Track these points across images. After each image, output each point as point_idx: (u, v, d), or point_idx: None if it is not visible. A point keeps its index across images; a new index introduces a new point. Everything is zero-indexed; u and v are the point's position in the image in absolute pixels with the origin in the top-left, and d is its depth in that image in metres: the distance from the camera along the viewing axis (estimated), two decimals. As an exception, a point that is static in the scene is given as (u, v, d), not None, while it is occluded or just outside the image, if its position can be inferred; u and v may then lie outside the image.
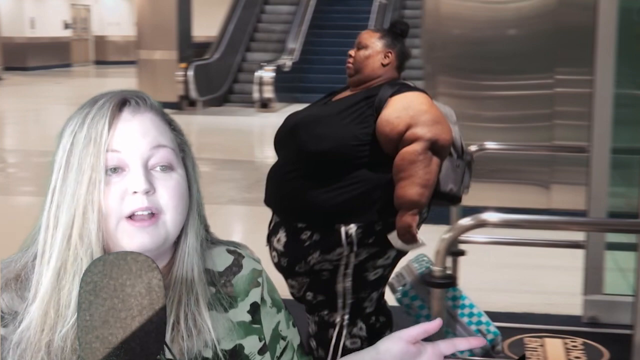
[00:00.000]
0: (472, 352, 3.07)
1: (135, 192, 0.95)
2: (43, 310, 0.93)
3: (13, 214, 6.51)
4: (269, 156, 7.83)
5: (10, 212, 6.57)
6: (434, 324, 1.00)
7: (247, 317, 1.07)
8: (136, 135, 0.97)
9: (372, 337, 2.79)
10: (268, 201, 2.66)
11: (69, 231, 0.94)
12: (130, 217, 0.95)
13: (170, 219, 0.98)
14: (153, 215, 0.96)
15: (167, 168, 0.99)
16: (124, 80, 17.96)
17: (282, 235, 2.57)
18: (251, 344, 1.06)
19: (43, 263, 0.96)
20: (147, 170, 0.97)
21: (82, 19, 26.34)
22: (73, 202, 0.95)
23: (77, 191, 0.95)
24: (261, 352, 1.08)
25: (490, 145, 4.16)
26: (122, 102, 0.99)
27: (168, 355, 0.97)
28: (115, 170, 0.96)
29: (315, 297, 2.61)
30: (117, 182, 0.96)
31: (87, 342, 0.80)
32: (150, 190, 0.96)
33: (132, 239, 0.95)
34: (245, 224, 6.26)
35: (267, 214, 2.70)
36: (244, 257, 1.11)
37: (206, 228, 1.09)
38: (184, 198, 1.00)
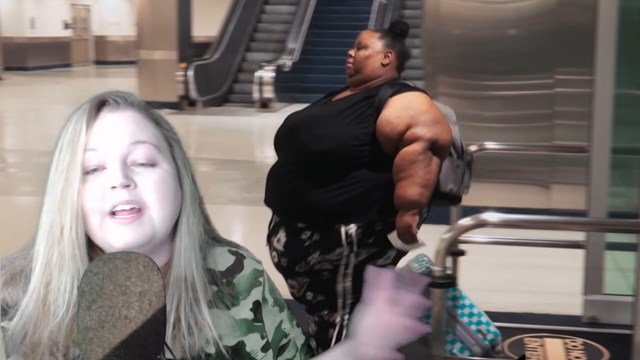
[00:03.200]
0: (472, 352, 3.07)
1: (113, 187, 0.96)
2: (34, 304, 0.96)
3: (13, 214, 6.51)
4: (269, 156, 7.82)
5: (10, 212, 6.57)
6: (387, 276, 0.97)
7: (250, 315, 1.08)
8: (113, 133, 0.99)
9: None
10: (268, 201, 2.66)
11: (52, 230, 0.97)
12: (114, 213, 0.96)
13: (156, 214, 0.98)
14: (138, 210, 0.97)
15: (149, 164, 0.99)
16: (124, 80, 17.96)
17: (282, 235, 2.57)
18: (253, 342, 1.07)
19: (34, 260, 0.98)
20: (126, 166, 0.98)
21: (82, 19, 26.33)
22: (55, 201, 0.97)
23: (56, 191, 0.97)
24: (264, 349, 1.09)
25: (490, 145, 4.16)
26: (100, 102, 1.01)
27: (168, 355, 0.97)
28: (96, 170, 0.98)
29: (315, 297, 2.61)
30: (97, 179, 0.97)
31: (87, 342, 0.80)
32: (131, 185, 0.97)
33: (117, 236, 0.96)
34: (245, 224, 6.26)
35: (267, 214, 2.70)
36: (245, 257, 1.12)
37: (207, 225, 1.09)
38: (170, 193, 1.00)
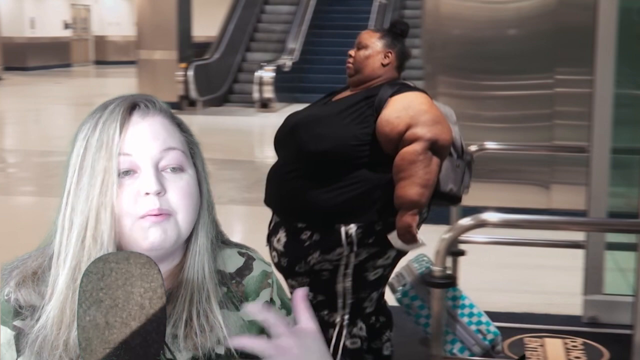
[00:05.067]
0: (472, 352, 3.07)
1: (147, 194, 0.98)
2: (60, 309, 0.96)
3: (13, 214, 6.51)
4: (269, 156, 7.83)
5: (10, 212, 6.57)
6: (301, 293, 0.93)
7: None
8: (147, 138, 1.00)
9: (372, 337, 2.79)
10: (268, 201, 2.66)
11: (83, 232, 0.97)
12: (144, 216, 0.98)
13: (182, 219, 1.00)
14: (166, 215, 0.99)
15: (178, 169, 1.02)
16: (124, 80, 17.96)
17: (282, 235, 2.57)
18: None
19: (59, 264, 0.98)
20: (158, 171, 1.00)
21: (82, 19, 26.32)
22: (87, 204, 0.97)
23: (91, 194, 0.97)
24: None
25: (490, 145, 4.16)
26: (132, 106, 1.02)
27: (168, 355, 0.97)
28: (128, 172, 0.99)
29: (315, 297, 2.61)
30: (129, 184, 0.99)
31: (87, 342, 0.80)
32: (162, 192, 0.99)
33: (146, 236, 0.98)
34: (245, 224, 6.26)
35: (267, 214, 2.70)
36: (254, 259, 1.13)
37: (217, 227, 1.11)
38: (194, 197, 1.02)
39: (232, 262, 1.11)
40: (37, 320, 0.97)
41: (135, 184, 0.98)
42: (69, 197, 0.99)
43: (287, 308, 1.15)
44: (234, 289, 1.08)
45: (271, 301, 1.12)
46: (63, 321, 0.96)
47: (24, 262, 1.03)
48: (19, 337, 0.98)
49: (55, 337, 0.95)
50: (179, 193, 1.00)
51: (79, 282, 0.95)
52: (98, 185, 0.97)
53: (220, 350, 1.02)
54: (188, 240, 1.04)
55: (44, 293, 0.99)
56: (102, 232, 0.96)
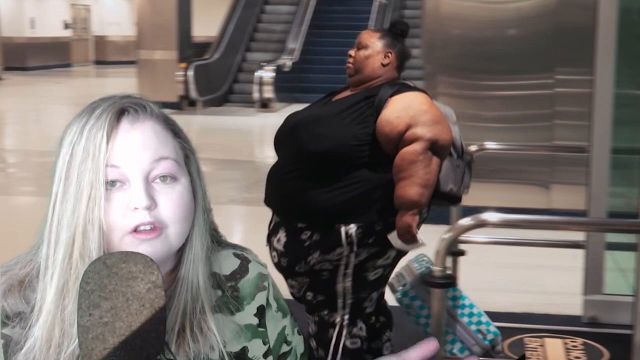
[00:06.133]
0: (472, 352, 3.07)
1: (136, 208, 0.93)
2: (48, 329, 0.92)
3: (13, 214, 6.51)
4: (269, 156, 7.83)
5: (10, 212, 6.57)
6: (432, 347, 0.77)
7: (254, 320, 1.07)
8: (136, 148, 0.94)
9: (372, 337, 2.79)
10: (268, 201, 2.66)
11: (70, 250, 0.92)
12: (134, 230, 0.94)
13: (173, 232, 0.96)
14: (157, 229, 0.94)
15: (170, 179, 0.96)
16: (124, 80, 17.96)
17: (282, 235, 2.57)
18: (255, 347, 1.06)
19: (46, 280, 0.94)
20: (148, 183, 0.95)
21: (82, 19, 26.32)
22: (73, 219, 0.92)
23: (77, 208, 0.92)
24: (265, 355, 1.07)
25: (490, 145, 4.16)
26: (120, 111, 0.96)
27: (168, 355, 0.97)
28: (115, 183, 0.94)
29: (315, 297, 2.61)
30: (118, 197, 0.94)
31: (87, 342, 0.80)
32: (152, 206, 0.94)
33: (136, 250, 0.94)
34: (245, 224, 6.26)
35: (267, 214, 2.70)
36: (250, 261, 1.10)
37: (214, 230, 1.08)
38: (187, 208, 0.98)
39: (227, 264, 1.08)
40: (28, 329, 0.93)
41: (124, 197, 0.93)
42: (55, 207, 0.94)
43: (283, 310, 1.12)
44: (228, 292, 1.05)
45: (267, 304, 1.09)
46: (52, 341, 0.92)
47: (10, 268, 0.99)
48: (8, 344, 0.95)
49: (45, 357, 0.92)
50: (171, 206, 0.95)
51: (67, 301, 0.92)
52: (85, 199, 0.92)
53: (214, 356, 1.00)
54: (182, 248, 1.00)
55: (31, 300, 0.95)
56: (90, 250, 0.92)
